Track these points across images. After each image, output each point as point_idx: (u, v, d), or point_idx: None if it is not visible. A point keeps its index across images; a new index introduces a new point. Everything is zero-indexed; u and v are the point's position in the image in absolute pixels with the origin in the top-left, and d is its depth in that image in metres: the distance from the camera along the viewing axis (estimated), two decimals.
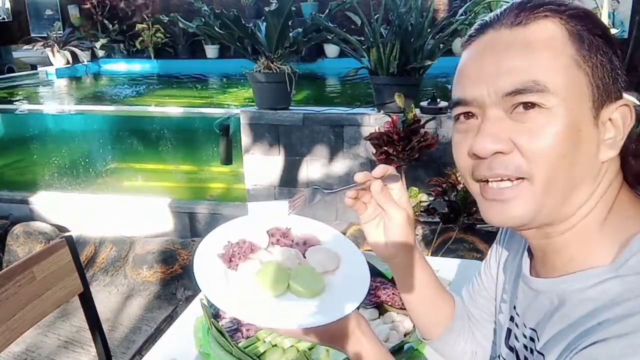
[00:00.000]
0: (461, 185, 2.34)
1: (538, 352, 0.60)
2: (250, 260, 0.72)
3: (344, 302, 0.67)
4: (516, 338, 0.70)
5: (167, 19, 3.66)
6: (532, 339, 0.64)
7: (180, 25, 3.48)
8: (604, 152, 0.57)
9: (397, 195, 0.74)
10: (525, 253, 0.70)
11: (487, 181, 0.60)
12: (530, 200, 0.58)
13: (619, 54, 0.58)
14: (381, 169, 0.72)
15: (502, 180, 0.59)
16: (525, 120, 0.56)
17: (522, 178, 0.58)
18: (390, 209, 0.72)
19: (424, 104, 3.07)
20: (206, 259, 0.71)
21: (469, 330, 0.89)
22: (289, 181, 3.36)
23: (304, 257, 0.76)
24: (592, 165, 0.58)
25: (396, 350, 1.06)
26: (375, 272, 1.34)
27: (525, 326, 0.66)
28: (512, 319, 0.72)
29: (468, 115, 0.62)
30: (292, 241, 0.78)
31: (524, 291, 0.68)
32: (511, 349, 0.72)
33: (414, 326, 0.92)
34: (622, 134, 0.57)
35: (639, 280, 0.53)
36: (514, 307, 0.71)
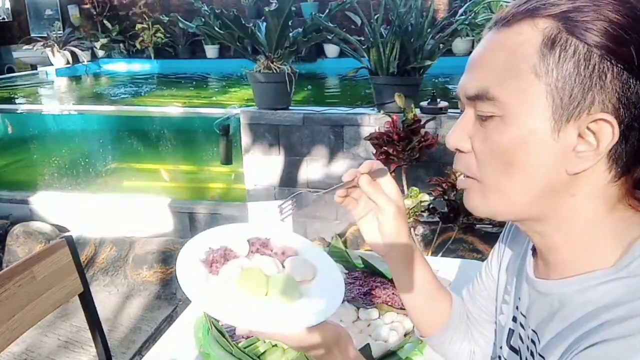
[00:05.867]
0: None
1: (539, 354, 0.60)
2: (231, 266, 0.75)
3: (318, 311, 0.70)
4: (520, 339, 0.70)
5: (167, 19, 3.66)
6: (533, 341, 0.64)
7: (180, 25, 3.48)
8: (573, 165, 0.54)
9: (387, 187, 0.76)
10: (529, 253, 0.69)
11: None
12: (479, 197, 0.61)
13: (634, 65, 0.50)
14: (367, 164, 0.74)
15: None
16: (485, 123, 0.58)
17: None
18: (381, 201, 0.73)
19: (424, 104, 3.07)
20: (188, 263, 0.74)
21: (467, 330, 0.89)
22: (289, 181, 3.36)
23: (283, 266, 0.78)
24: (552, 175, 0.55)
25: (394, 352, 1.06)
26: (375, 272, 1.34)
27: (528, 327, 0.66)
28: (515, 319, 0.72)
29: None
30: (272, 251, 0.81)
31: (527, 292, 0.67)
32: (514, 349, 0.71)
33: (413, 326, 0.93)
34: (597, 149, 0.52)
35: None
36: (517, 308, 0.71)
